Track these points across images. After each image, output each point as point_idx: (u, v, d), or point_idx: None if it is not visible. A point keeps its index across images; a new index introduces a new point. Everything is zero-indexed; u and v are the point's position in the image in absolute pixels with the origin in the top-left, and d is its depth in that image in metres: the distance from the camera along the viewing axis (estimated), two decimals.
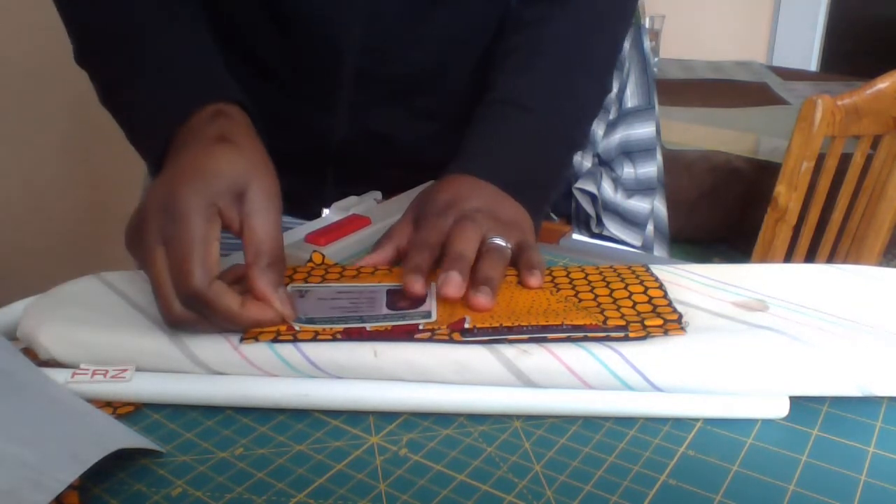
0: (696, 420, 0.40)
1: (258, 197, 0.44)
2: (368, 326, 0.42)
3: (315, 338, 0.42)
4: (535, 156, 0.62)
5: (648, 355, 0.40)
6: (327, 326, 0.43)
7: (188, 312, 0.42)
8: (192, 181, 0.43)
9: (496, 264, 0.48)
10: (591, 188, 1.15)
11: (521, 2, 0.68)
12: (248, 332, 0.43)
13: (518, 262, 0.50)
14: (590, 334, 0.41)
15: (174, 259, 0.42)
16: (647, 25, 1.82)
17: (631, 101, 1.19)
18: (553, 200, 0.66)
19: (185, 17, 0.58)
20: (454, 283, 0.45)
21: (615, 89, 1.18)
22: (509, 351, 0.40)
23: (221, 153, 0.45)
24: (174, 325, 0.42)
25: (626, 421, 0.40)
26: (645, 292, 0.46)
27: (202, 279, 0.41)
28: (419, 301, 0.45)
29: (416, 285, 0.46)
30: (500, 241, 0.50)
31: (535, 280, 0.48)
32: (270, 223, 0.44)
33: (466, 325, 0.42)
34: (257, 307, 0.43)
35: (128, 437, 0.37)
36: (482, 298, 0.44)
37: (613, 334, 0.41)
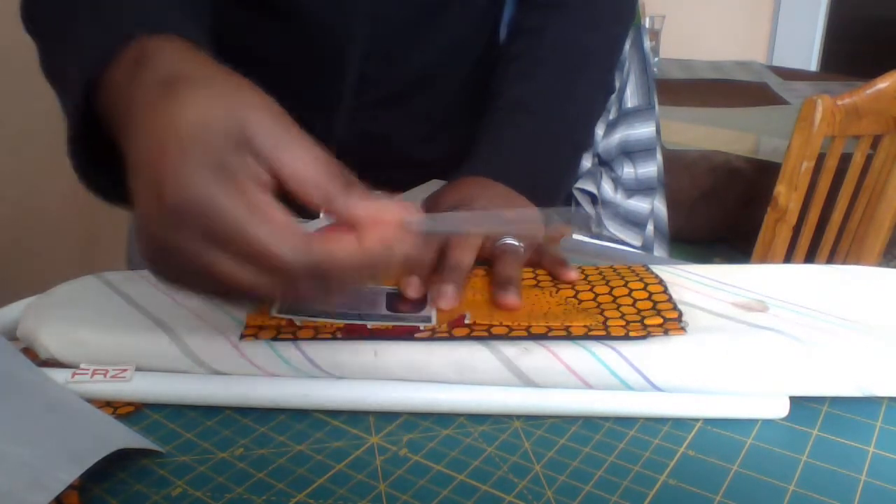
0: (696, 420, 0.40)
1: (266, 127, 0.34)
2: (369, 324, 0.42)
3: (315, 336, 0.42)
4: (543, 156, 0.62)
5: (648, 355, 0.40)
6: (328, 320, 0.43)
7: (311, 287, 0.34)
8: (179, 157, 0.31)
9: (514, 264, 0.48)
10: (591, 188, 1.15)
11: (521, 10, 0.68)
12: (249, 328, 0.43)
13: (543, 260, 0.51)
14: (591, 332, 0.41)
15: (250, 256, 0.33)
16: (647, 25, 1.83)
17: (631, 101, 1.19)
18: (561, 202, 0.67)
19: None
20: (446, 297, 0.45)
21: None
22: (509, 350, 0.40)
23: (181, 103, 0.33)
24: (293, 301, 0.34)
25: (626, 421, 0.40)
26: (645, 289, 0.46)
27: (298, 254, 0.33)
28: (419, 305, 0.45)
29: (411, 289, 0.46)
30: (512, 241, 0.51)
31: (573, 273, 0.48)
32: (305, 146, 0.34)
33: (466, 321, 0.42)
34: (373, 233, 0.34)
35: (128, 438, 0.37)
36: (511, 298, 0.45)
37: (613, 332, 0.41)
